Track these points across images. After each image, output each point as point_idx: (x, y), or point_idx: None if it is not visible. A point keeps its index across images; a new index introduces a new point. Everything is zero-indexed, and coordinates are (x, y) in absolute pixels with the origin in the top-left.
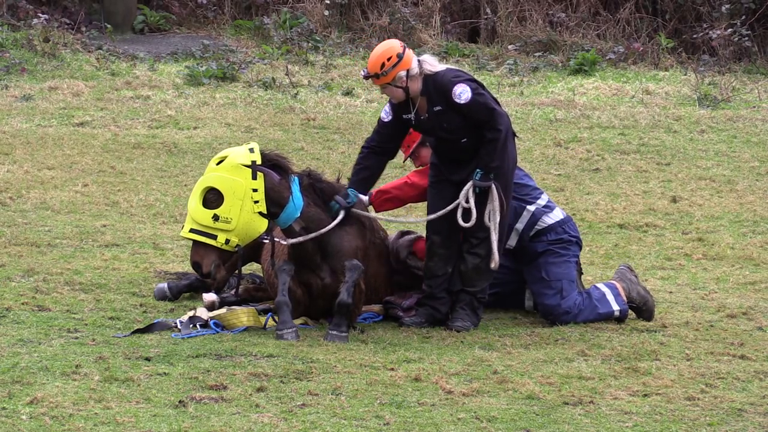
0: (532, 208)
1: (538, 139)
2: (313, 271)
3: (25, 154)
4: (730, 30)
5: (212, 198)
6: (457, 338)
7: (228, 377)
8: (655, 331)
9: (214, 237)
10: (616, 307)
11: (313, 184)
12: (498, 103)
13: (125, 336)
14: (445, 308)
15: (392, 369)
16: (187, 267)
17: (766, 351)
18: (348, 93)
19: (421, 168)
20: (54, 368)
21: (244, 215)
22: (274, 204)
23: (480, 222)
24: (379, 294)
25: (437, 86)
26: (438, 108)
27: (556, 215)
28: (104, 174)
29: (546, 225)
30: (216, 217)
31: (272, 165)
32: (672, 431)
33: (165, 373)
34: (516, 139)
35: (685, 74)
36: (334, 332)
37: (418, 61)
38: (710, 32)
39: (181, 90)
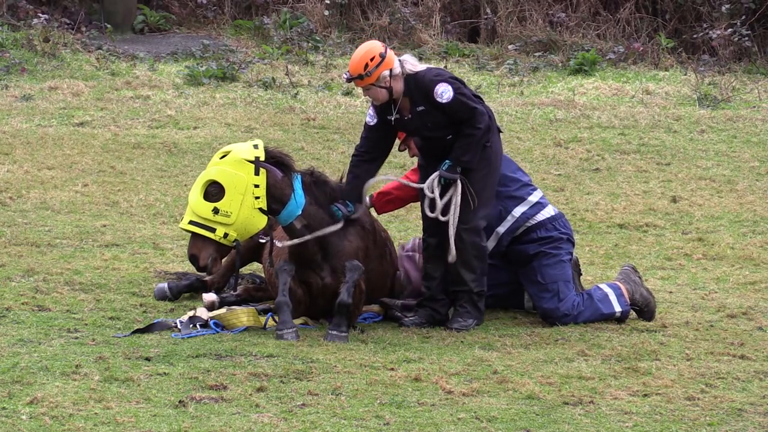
0: (517, 212)
1: (538, 139)
2: (314, 271)
3: (25, 154)
4: (730, 30)
5: (213, 191)
6: (457, 338)
7: (228, 377)
8: (655, 331)
9: (213, 230)
10: (618, 309)
11: (315, 183)
12: (481, 99)
13: (125, 336)
14: (444, 309)
15: (392, 369)
16: (187, 267)
17: (766, 351)
18: (348, 93)
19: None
20: (54, 368)
21: (244, 210)
22: (276, 201)
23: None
24: (380, 294)
25: (419, 86)
26: (421, 108)
27: (546, 212)
28: (104, 174)
29: (536, 222)
30: (216, 211)
31: (275, 162)
32: (672, 431)
33: (165, 373)
34: (500, 133)
35: (685, 74)
36: (334, 332)
37: (399, 60)
38: (710, 32)
39: (181, 90)
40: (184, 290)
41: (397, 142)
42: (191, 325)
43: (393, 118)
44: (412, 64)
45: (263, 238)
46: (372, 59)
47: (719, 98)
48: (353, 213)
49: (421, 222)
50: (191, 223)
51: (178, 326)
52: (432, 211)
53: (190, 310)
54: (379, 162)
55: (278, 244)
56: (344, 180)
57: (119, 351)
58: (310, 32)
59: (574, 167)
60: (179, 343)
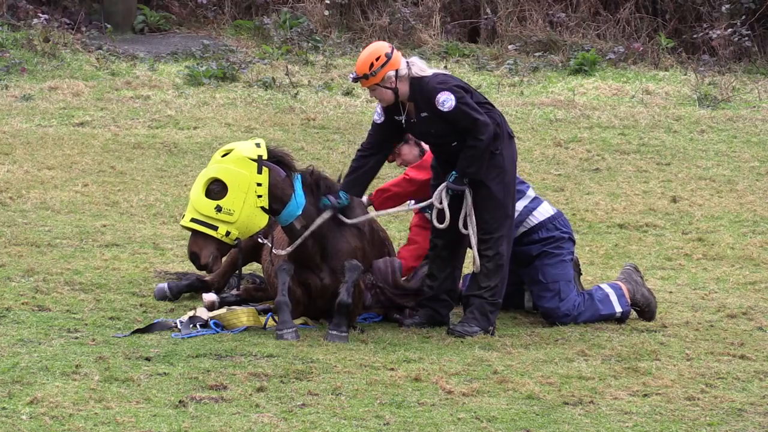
0: (519, 206)
1: (538, 139)
2: (313, 271)
3: (25, 154)
4: (730, 30)
5: (216, 189)
6: (458, 338)
7: (228, 377)
8: (655, 331)
9: (215, 228)
10: (618, 309)
11: (316, 183)
12: (490, 106)
13: (125, 336)
14: (446, 310)
15: (392, 369)
16: (187, 266)
17: (766, 351)
18: (348, 93)
19: (417, 163)
20: (54, 368)
21: (246, 208)
22: (277, 200)
23: (469, 224)
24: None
25: (422, 92)
26: (424, 114)
27: (545, 211)
28: (104, 174)
29: (536, 222)
30: (219, 208)
31: (277, 161)
32: (672, 431)
33: (165, 373)
34: (513, 139)
35: (685, 74)
36: (334, 332)
37: (407, 62)
38: (710, 32)
39: (181, 90)
40: (184, 290)
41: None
42: (191, 325)
43: (402, 119)
44: (420, 68)
45: (263, 240)
46: (378, 59)
47: (719, 98)
48: (343, 205)
49: None
50: (193, 220)
51: (178, 326)
52: (441, 222)
53: (190, 310)
54: (382, 155)
55: (277, 252)
56: (341, 181)
57: (119, 351)
58: (310, 32)
59: (574, 167)
60: (179, 343)
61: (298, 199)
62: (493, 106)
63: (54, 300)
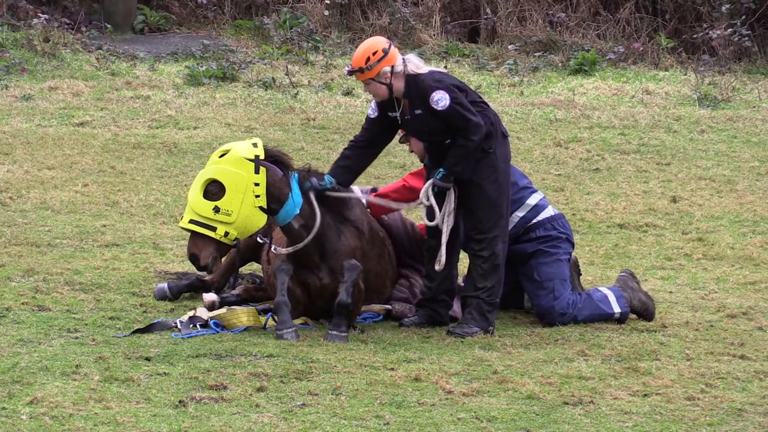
0: (516, 217)
1: (538, 139)
2: (312, 271)
3: (25, 154)
4: (730, 30)
5: (214, 190)
6: (457, 338)
7: (228, 377)
8: (655, 331)
9: (214, 229)
10: (617, 309)
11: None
12: (485, 105)
13: (125, 336)
14: (445, 311)
15: (392, 369)
16: (187, 266)
17: (766, 351)
18: (348, 93)
19: (417, 171)
20: (54, 368)
21: (244, 209)
22: (274, 200)
23: (444, 223)
24: (379, 294)
25: (418, 89)
26: (418, 111)
27: (545, 212)
28: (104, 174)
29: (534, 221)
30: (217, 209)
31: (274, 161)
32: (672, 431)
33: (165, 373)
34: (507, 138)
35: (685, 74)
36: (334, 332)
37: (403, 59)
38: (710, 32)
39: (181, 90)
40: (184, 290)
41: (399, 134)
42: (191, 325)
43: (396, 115)
44: (416, 65)
45: (262, 239)
46: (374, 53)
47: (719, 98)
48: (325, 187)
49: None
50: (191, 222)
51: (178, 326)
52: (431, 220)
53: (190, 310)
54: (373, 150)
55: (277, 250)
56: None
57: (119, 351)
58: (310, 32)
59: (574, 167)
60: (179, 343)
61: (296, 198)
62: (488, 105)
63: (54, 300)
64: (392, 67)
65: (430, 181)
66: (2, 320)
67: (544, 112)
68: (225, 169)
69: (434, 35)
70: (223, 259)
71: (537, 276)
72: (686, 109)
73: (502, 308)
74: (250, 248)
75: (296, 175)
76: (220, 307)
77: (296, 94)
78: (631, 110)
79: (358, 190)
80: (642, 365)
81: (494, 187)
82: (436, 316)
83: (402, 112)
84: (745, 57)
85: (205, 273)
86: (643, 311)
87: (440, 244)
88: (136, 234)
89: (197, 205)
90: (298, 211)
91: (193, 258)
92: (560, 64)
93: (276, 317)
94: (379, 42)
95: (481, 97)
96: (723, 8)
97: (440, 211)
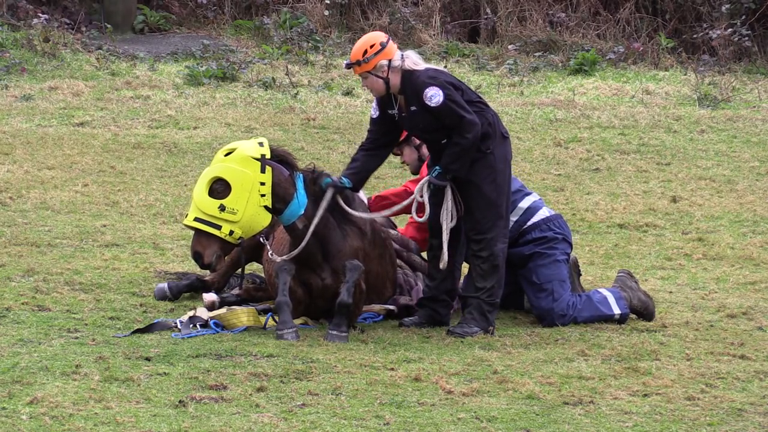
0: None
1: (538, 139)
2: (314, 271)
3: (25, 154)
4: (730, 30)
5: (219, 188)
6: (457, 339)
7: (228, 377)
8: (655, 331)
9: (219, 227)
10: (617, 311)
11: (315, 180)
12: (483, 105)
13: (125, 336)
14: (445, 311)
15: (392, 369)
16: (187, 266)
17: (766, 351)
18: (348, 93)
19: (419, 177)
20: (54, 368)
21: (250, 208)
22: (279, 200)
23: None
24: (380, 294)
25: (412, 85)
26: (413, 108)
27: (540, 214)
28: (104, 174)
29: (530, 224)
30: (222, 208)
31: (280, 161)
32: (672, 431)
33: (165, 373)
34: (508, 139)
35: (685, 74)
36: (334, 332)
37: (402, 55)
38: (710, 32)
39: (181, 90)
40: (184, 290)
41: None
42: (191, 325)
43: (394, 113)
44: (414, 61)
45: (264, 241)
46: (372, 46)
47: (719, 98)
48: (345, 186)
49: None
50: (196, 219)
51: (178, 326)
52: (420, 216)
53: (190, 310)
54: (382, 152)
55: (272, 256)
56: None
57: (119, 351)
58: (310, 32)
59: (574, 167)
60: (179, 343)
61: (301, 198)
62: (487, 105)
63: (54, 300)
64: (389, 61)
65: (426, 178)
66: (2, 320)
67: (544, 112)
68: (231, 168)
69: (434, 35)
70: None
71: (536, 278)
72: (686, 109)
73: (503, 308)
74: (251, 248)
75: (301, 175)
76: (220, 307)
77: (296, 94)
78: (631, 110)
79: (363, 196)
80: (642, 365)
81: (492, 187)
82: (437, 315)
83: (399, 109)
84: (745, 57)
85: (207, 271)
86: (643, 310)
87: (442, 243)
88: (136, 234)
89: (202, 203)
90: (302, 212)
91: (197, 256)
92: (560, 64)
93: (276, 317)
94: (377, 36)
95: (480, 97)
96: (723, 8)
97: (437, 210)
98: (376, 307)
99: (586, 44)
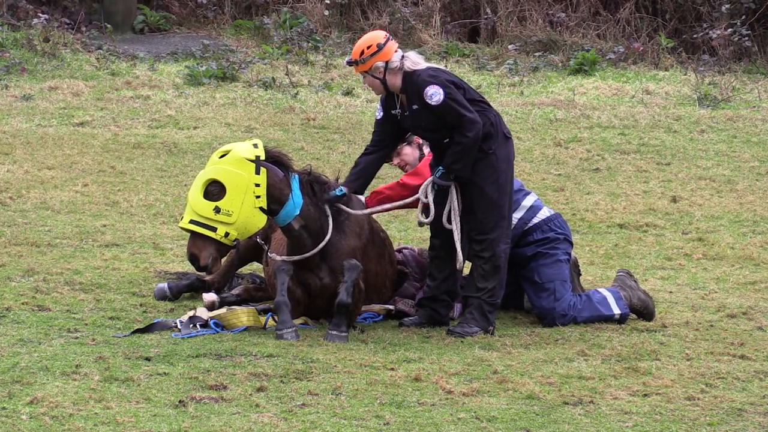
0: (514, 218)
1: (538, 139)
2: (312, 271)
3: (25, 154)
4: (730, 30)
5: (214, 190)
6: (457, 339)
7: (228, 377)
8: (655, 331)
9: (214, 229)
10: (617, 311)
11: (313, 183)
12: (485, 104)
13: (125, 336)
14: (445, 310)
15: (392, 369)
16: (187, 266)
17: (766, 351)
18: (348, 93)
19: (413, 170)
20: (54, 368)
21: (245, 209)
22: (275, 201)
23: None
24: (380, 294)
25: (413, 84)
26: (415, 107)
27: (541, 214)
28: (104, 174)
29: (532, 224)
30: (217, 210)
31: (274, 162)
32: (672, 431)
33: (165, 373)
34: (510, 139)
35: (685, 74)
36: (334, 332)
37: (402, 56)
38: (710, 32)
39: (181, 90)
40: (184, 290)
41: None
42: (191, 325)
43: (397, 113)
44: (414, 61)
45: (261, 242)
46: (369, 47)
47: (719, 98)
48: (336, 196)
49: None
50: (192, 222)
51: (178, 326)
52: (426, 216)
53: (190, 310)
54: (384, 152)
55: (272, 257)
56: (339, 180)
57: (119, 351)
58: (310, 32)
59: (574, 167)
60: (179, 343)
61: (296, 199)
62: (489, 105)
63: (54, 300)
64: (386, 62)
65: (429, 179)
66: (2, 320)
67: (544, 112)
68: (226, 170)
69: (434, 35)
70: (224, 259)
71: (537, 278)
72: (686, 109)
73: (503, 308)
74: (251, 248)
75: (297, 175)
76: (220, 307)
77: (296, 94)
78: (631, 110)
79: (361, 196)
80: (642, 365)
81: (494, 187)
82: (437, 315)
83: (401, 108)
84: (745, 57)
85: (204, 273)
86: (643, 309)
87: (443, 243)
88: (136, 234)
89: (198, 205)
90: (298, 212)
91: (193, 258)
92: (560, 64)
93: (276, 317)
94: (376, 37)
95: (482, 97)
96: (723, 8)
97: (440, 210)
98: (376, 307)
99: (586, 44)
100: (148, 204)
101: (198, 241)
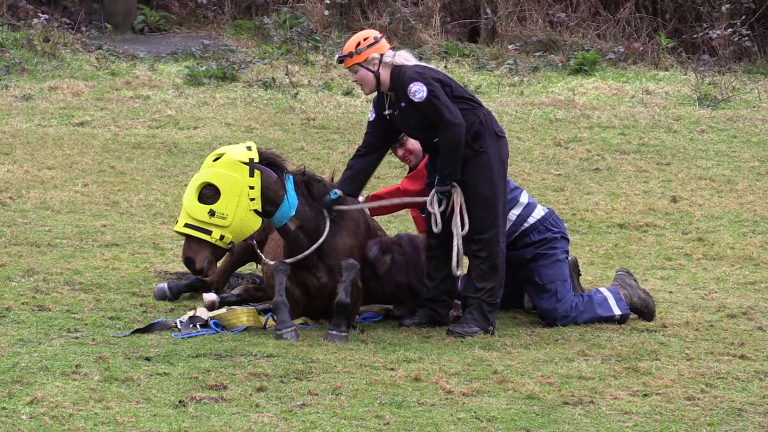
0: (513, 215)
1: (538, 139)
2: (310, 271)
3: (25, 154)
4: (730, 30)
5: (209, 193)
6: (458, 338)
7: (228, 377)
8: (655, 331)
9: (209, 232)
10: (617, 312)
11: (307, 183)
12: (475, 101)
13: (125, 336)
14: (445, 310)
15: (392, 369)
16: None
17: (766, 351)
18: (348, 93)
19: (412, 174)
20: (54, 368)
21: (239, 212)
22: (269, 203)
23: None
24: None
25: (400, 81)
26: (403, 104)
27: (536, 214)
28: (104, 174)
29: (528, 225)
30: (212, 213)
31: (268, 163)
32: (672, 431)
33: (165, 373)
34: (503, 138)
35: (685, 74)
36: (334, 332)
37: (394, 53)
38: (710, 32)
39: (181, 90)
40: (184, 290)
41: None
42: (191, 325)
43: (388, 113)
44: (405, 58)
45: (255, 246)
46: (365, 39)
47: (719, 98)
48: (331, 199)
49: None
50: (187, 225)
51: (178, 326)
52: (436, 227)
53: (190, 310)
54: (376, 155)
55: (270, 262)
56: (334, 179)
57: (119, 351)
58: (310, 32)
59: (574, 167)
60: (179, 343)
61: (291, 199)
62: (478, 104)
63: (54, 300)
64: (381, 55)
65: (433, 190)
66: (2, 320)
67: (544, 112)
68: (220, 173)
69: (434, 35)
70: (223, 259)
71: (538, 279)
72: (686, 109)
73: (503, 308)
74: (250, 248)
75: (291, 177)
76: (220, 307)
77: (296, 94)
78: (631, 110)
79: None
80: (642, 365)
81: (488, 186)
82: (436, 316)
83: (391, 106)
84: (745, 57)
85: (201, 276)
86: (643, 308)
87: (440, 243)
88: (136, 234)
89: (192, 208)
90: (293, 213)
91: (189, 262)
92: (560, 64)
93: (275, 317)
94: (371, 31)
95: (472, 95)
96: (723, 8)
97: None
98: (376, 307)
99: (586, 44)
100: (148, 204)
101: (193, 245)
